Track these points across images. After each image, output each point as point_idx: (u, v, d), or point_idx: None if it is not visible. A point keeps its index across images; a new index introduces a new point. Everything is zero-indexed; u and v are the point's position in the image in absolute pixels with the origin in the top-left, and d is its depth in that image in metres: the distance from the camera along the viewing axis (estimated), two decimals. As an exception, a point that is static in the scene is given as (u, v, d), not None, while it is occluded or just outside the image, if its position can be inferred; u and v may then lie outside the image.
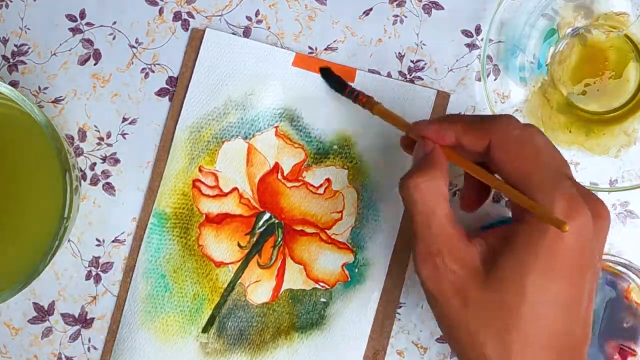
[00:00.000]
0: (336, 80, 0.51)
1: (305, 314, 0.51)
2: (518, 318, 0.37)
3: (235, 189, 0.52)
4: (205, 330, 0.51)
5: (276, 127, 0.52)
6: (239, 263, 0.51)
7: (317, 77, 0.52)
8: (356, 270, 0.51)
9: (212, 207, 0.52)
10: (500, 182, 0.39)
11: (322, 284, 0.51)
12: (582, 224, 0.37)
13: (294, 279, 0.51)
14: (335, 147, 0.52)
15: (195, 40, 0.52)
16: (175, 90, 0.52)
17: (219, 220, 0.52)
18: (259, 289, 0.51)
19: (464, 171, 0.42)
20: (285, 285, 0.51)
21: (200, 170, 0.52)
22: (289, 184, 0.51)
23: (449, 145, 0.41)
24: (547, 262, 0.37)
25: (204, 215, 0.52)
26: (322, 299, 0.51)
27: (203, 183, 0.52)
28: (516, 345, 0.37)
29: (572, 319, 0.38)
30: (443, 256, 0.38)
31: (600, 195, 0.50)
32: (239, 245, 0.52)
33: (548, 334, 0.37)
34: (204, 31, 0.52)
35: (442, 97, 0.52)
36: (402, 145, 0.46)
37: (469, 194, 0.46)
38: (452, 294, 0.38)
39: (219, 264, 0.51)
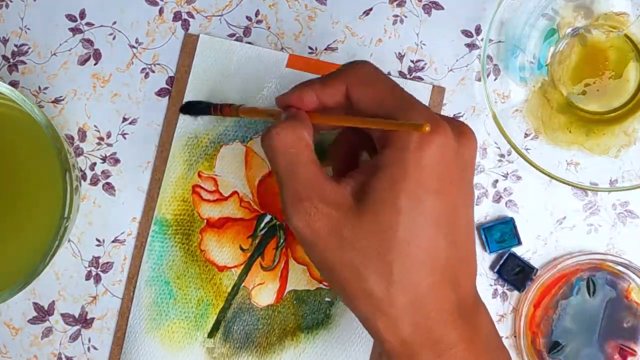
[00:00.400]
0: (196, 107, 0.51)
1: (310, 314, 0.51)
2: (396, 240, 0.36)
3: (235, 192, 0.52)
4: (211, 335, 0.51)
5: (273, 128, 0.52)
6: (242, 266, 0.51)
7: (312, 77, 0.52)
8: (359, 268, 0.51)
9: (212, 211, 0.52)
10: (363, 118, 0.39)
11: (326, 283, 0.51)
12: (443, 138, 0.37)
13: (298, 279, 0.51)
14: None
15: (189, 45, 0.52)
16: (171, 95, 0.52)
17: (220, 224, 0.51)
18: (263, 291, 0.51)
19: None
20: (289, 287, 0.51)
21: (199, 176, 0.52)
22: (289, 186, 0.51)
23: (312, 108, 0.41)
24: (415, 178, 0.36)
25: (205, 220, 0.52)
26: (327, 299, 0.51)
27: (203, 188, 0.52)
28: (397, 270, 0.37)
29: (452, 238, 0.38)
30: (312, 199, 0.38)
31: (600, 195, 0.50)
32: (241, 248, 0.51)
33: (428, 254, 0.37)
34: (197, 36, 0.52)
35: (438, 92, 0.52)
36: None
37: (336, 161, 0.46)
38: (328, 235, 0.37)
39: (222, 268, 0.51)
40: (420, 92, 0.52)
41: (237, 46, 0.52)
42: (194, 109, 0.51)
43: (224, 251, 0.51)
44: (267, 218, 0.51)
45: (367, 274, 0.37)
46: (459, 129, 0.39)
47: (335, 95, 0.40)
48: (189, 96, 0.52)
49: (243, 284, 0.51)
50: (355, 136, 0.44)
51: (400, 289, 0.37)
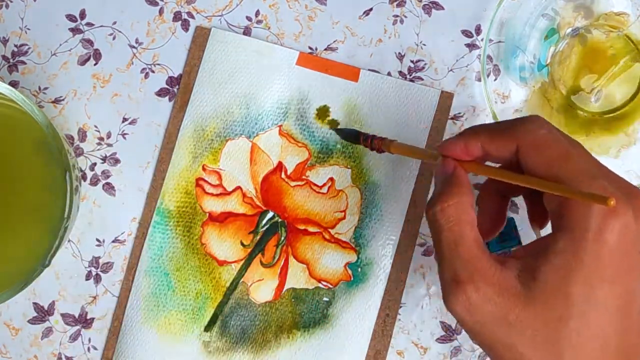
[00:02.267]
0: (350, 133, 0.51)
1: (307, 312, 0.51)
2: (567, 331, 0.35)
3: (238, 187, 0.52)
4: (207, 328, 0.51)
5: (280, 125, 0.52)
6: (242, 262, 0.51)
7: (321, 76, 0.52)
8: (359, 269, 0.51)
9: (215, 205, 0.52)
10: (534, 178, 0.37)
11: (324, 283, 0.51)
12: (623, 222, 0.35)
13: (297, 278, 0.51)
14: (338, 146, 0.52)
15: (200, 38, 0.52)
16: (178, 87, 0.52)
17: (222, 218, 0.52)
18: (261, 287, 0.51)
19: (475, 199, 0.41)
20: (288, 284, 0.51)
21: (203, 169, 0.52)
22: (293, 183, 0.51)
23: (475, 158, 0.40)
24: (591, 267, 0.34)
25: (207, 214, 0.52)
26: (325, 298, 0.51)
27: (206, 182, 0.52)
28: (568, 355, 0.35)
29: (624, 325, 0.36)
30: (475, 282, 0.36)
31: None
32: (242, 244, 0.51)
33: (600, 345, 0.35)
34: (208, 29, 0.52)
35: (446, 97, 0.52)
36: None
37: (484, 219, 0.43)
38: (493, 322, 0.36)
39: (222, 263, 0.51)
40: (428, 98, 0.52)
41: (248, 41, 0.52)
42: (346, 133, 0.51)
43: (225, 246, 0.51)
44: (270, 215, 0.51)
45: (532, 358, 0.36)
46: (637, 208, 0.35)
47: (503, 152, 0.38)
48: (198, 88, 0.52)
49: (242, 280, 0.51)
50: (507, 190, 0.43)
51: None
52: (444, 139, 0.41)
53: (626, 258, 0.35)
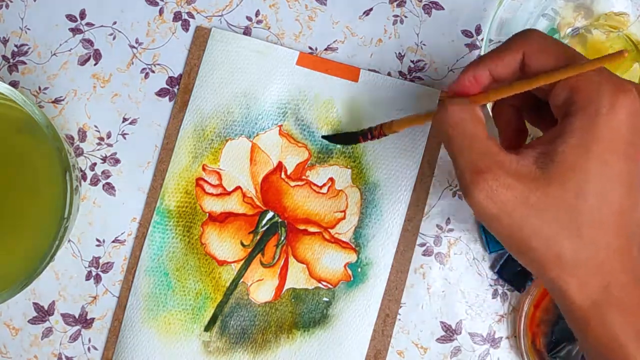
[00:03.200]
0: (343, 138, 0.51)
1: (307, 312, 0.51)
2: (586, 207, 0.36)
3: (238, 187, 0.52)
4: (207, 328, 0.51)
5: (280, 125, 0.52)
6: (242, 262, 0.51)
7: (321, 76, 0.52)
8: (359, 269, 0.51)
9: (215, 205, 0.52)
10: (549, 72, 0.38)
11: (324, 283, 0.51)
12: (631, 101, 0.36)
13: (297, 278, 0.51)
14: (338, 146, 0.52)
15: (200, 38, 0.52)
16: (178, 88, 0.52)
17: (222, 218, 0.52)
18: (261, 287, 0.51)
19: (493, 122, 0.43)
20: (288, 284, 0.51)
21: (203, 169, 0.52)
22: (293, 183, 0.51)
23: (483, 87, 0.41)
24: (605, 142, 0.36)
25: (207, 214, 0.52)
26: (325, 298, 0.51)
27: (206, 181, 0.52)
28: (586, 234, 0.36)
29: (636, 196, 0.37)
30: (494, 171, 0.37)
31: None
32: (242, 244, 0.52)
33: (616, 217, 0.37)
34: (208, 29, 0.52)
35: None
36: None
37: (506, 135, 0.44)
38: (514, 206, 0.37)
39: (222, 263, 0.51)
40: (430, 97, 0.52)
41: (248, 41, 0.52)
42: (339, 139, 0.51)
43: (225, 245, 0.51)
44: (269, 215, 0.52)
45: (557, 239, 0.37)
46: (637, 85, 0.38)
47: (511, 66, 0.40)
48: (198, 88, 0.52)
49: (242, 279, 0.51)
50: (519, 105, 0.44)
51: (591, 252, 0.37)
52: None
53: (634, 133, 0.37)
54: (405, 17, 0.53)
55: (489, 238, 0.51)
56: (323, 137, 0.52)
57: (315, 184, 0.52)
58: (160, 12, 0.53)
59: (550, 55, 0.38)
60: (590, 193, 0.36)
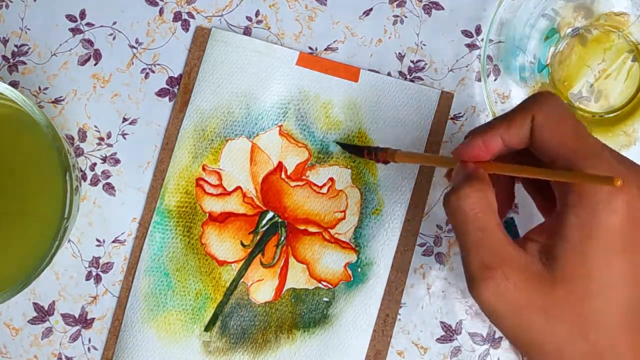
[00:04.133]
0: (353, 149, 0.51)
1: (308, 313, 0.51)
2: (589, 310, 0.36)
3: (238, 187, 0.52)
4: (207, 328, 0.51)
5: (280, 126, 0.52)
6: (242, 262, 0.51)
7: (321, 76, 0.52)
8: (359, 269, 0.51)
9: (215, 205, 0.52)
10: (544, 169, 0.37)
11: (324, 283, 0.51)
12: (630, 196, 0.35)
13: (297, 278, 0.51)
14: (338, 146, 0.52)
15: (200, 38, 0.52)
16: (178, 88, 0.52)
17: (222, 219, 0.52)
18: (261, 287, 0.51)
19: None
20: (288, 285, 0.51)
21: (203, 169, 0.52)
22: (293, 183, 0.51)
23: (494, 154, 0.40)
24: (605, 239, 0.35)
25: (207, 214, 0.52)
26: (325, 299, 0.51)
27: (206, 182, 0.52)
28: (592, 335, 0.36)
29: (638, 292, 0.36)
30: (504, 269, 0.36)
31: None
32: (242, 244, 0.52)
33: (622, 315, 0.36)
34: (208, 29, 0.52)
35: (446, 97, 0.52)
36: (448, 177, 0.45)
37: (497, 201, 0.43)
38: (523, 308, 0.36)
39: (222, 263, 0.51)
40: (428, 98, 0.52)
41: (248, 41, 0.52)
42: (348, 148, 0.52)
43: (225, 246, 0.51)
44: (270, 215, 0.51)
45: (564, 345, 0.36)
46: (638, 177, 0.37)
47: (521, 133, 0.38)
48: (198, 88, 0.52)
49: (242, 280, 0.51)
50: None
51: (598, 355, 0.36)
52: (457, 144, 0.41)
53: (635, 229, 0.36)
54: (405, 17, 0.53)
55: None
56: (336, 142, 0.52)
57: (315, 184, 0.52)
58: (160, 12, 0.53)
59: (557, 131, 0.37)
60: (595, 295, 0.36)
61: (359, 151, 0.51)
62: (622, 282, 0.36)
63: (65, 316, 0.52)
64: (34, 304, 0.52)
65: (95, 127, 0.52)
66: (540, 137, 0.38)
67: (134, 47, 0.53)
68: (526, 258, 0.37)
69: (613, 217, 0.35)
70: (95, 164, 0.52)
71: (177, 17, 0.53)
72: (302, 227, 0.51)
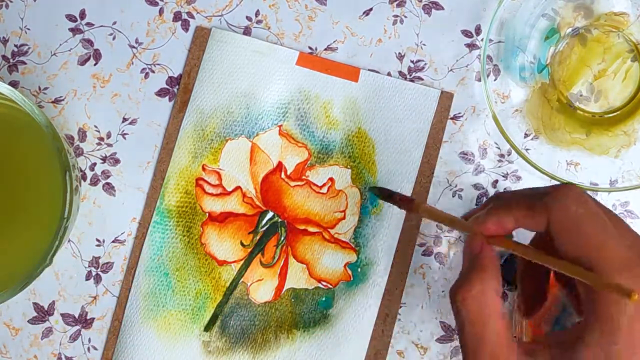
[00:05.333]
0: (384, 194, 0.49)
1: (307, 312, 0.51)
2: None
3: (238, 187, 0.52)
4: (207, 328, 0.51)
5: (280, 125, 0.52)
6: (242, 262, 0.51)
7: (321, 76, 0.52)
8: (359, 269, 0.51)
9: (215, 205, 0.52)
10: (561, 261, 0.35)
11: (324, 283, 0.51)
12: None
13: (297, 278, 0.51)
14: (338, 146, 0.52)
15: (200, 38, 0.52)
16: (178, 88, 0.52)
17: (222, 218, 0.52)
18: (261, 287, 0.51)
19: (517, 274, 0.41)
20: (287, 284, 0.51)
21: (203, 169, 0.52)
22: (292, 183, 0.51)
23: (508, 231, 0.38)
24: (622, 358, 0.34)
25: (207, 214, 0.52)
26: (325, 298, 0.51)
27: (206, 181, 0.52)
28: None
29: None
30: None
31: (600, 195, 0.50)
32: (241, 244, 0.52)
33: None
34: (208, 29, 0.52)
35: (446, 97, 0.52)
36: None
37: (525, 295, 0.42)
38: None
39: (222, 263, 0.51)
40: (428, 98, 0.52)
41: (248, 41, 0.52)
42: (383, 193, 0.50)
43: (225, 246, 0.51)
44: (269, 215, 0.51)
45: None
46: None
47: (536, 227, 0.37)
48: (198, 88, 0.52)
49: (242, 279, 0.51)
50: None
51: None
52: (476, 214, 0.40)
53: None
54: (405, 17, 0.53)
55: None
56: (370, 187, 0.51)
57: (315, 184, 0.52)
58: (160, 12, 0.53)
59: (575, 238, 0.35)
60: None
61: (389, 197, 0.48)
62: None
63: (65, 316, 0.52)
64: (34, 304, 0.52)
65: (95, 127, 0.52)
66: (559, 241, 0.36)
67: (134, 47, 0.53)
68: None
69: (635, 339, 0.33)
70: (95, 164, 0.52)
71: (177, 17, 0.53)
72: (302, 227, 0.51)
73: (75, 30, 0.53)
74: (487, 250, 0.38)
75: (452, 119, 0.52)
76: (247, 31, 0.53)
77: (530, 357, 0.36)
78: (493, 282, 0.37)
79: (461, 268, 0.40)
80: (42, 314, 0.52)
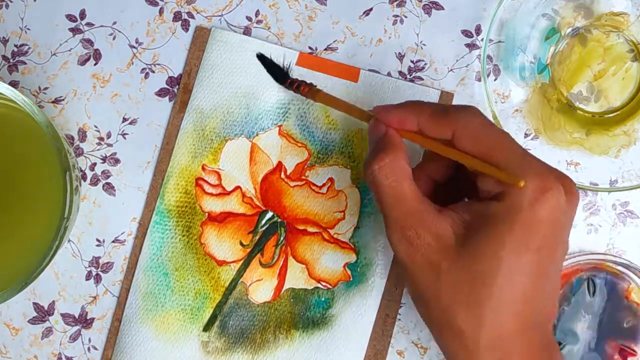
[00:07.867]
0: (273, 67, 0.51)
1: (306, 313, 0.51)
2: (492, 287, 0.38)
3: (238, 187, 0.52)
4: (206, 328, 0.51)
5: (279, 125, 0.52)
6: (241, 262, 0.51)
7: (321, 76, 0.52)
8: (358, 270, 0.51)
9: (214, 205, 0.52)
10: (469, 156, 0.40)
11: (324, 283, 0.51)
12: (555, 199, 0.38)
13: (296, 278, 0.51)
14: (338, 146, 0.52)
15: (200, 38, 0.52)
16: (178, 88, 0.52)
17: (222, 218, 0.52)
18: (260, 287, 0.51)
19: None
20: (287, 285, 0.51)
21: (203, 169, 0.52)
22: (292, 183, 0.51)
23: (408, 131, 0.42)
24: (520, 236, 0.38)
25: (207, 214, 0.52)
26: (324, 299, 0.51)
27: (206, 181, 0.52)
28: (487, 313, 0.38)
29: (540, 291, 0.39)
30: (416, 228, 0.39)
31: (600, 195, 0.50)
32: (241, 244, 0.51)
33: (518, 302, 0.38)
34: (208, 29, 0.52)
35: (446, 97, 0.52)
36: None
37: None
38: (425, 266, 0.39)
39: (221, 263, 0.51)
40: (428, 98, 0.52)
41: (248, 41, 0.52)
42: (270, 65, 0.51)
43: (224, 245, 0.51)
44: (269, 215, 0.51)
45: (458, 311, 0.38)
46: (567, 188, 0.39)
47: (438, 135, 0.41)
48: (198, 88, 0.52)
49: (241, 279, 0.51)
50: (443, 169, 0.45)
51: (488, 331, 0.38)
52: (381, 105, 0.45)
53: (552, 231, 0.39)
54: (405, 17, 0.53)
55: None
56: (258, 55, 0.52)
57: (314, 184, 0.52)
58: (160, 12, 0.53)
59: (477, 144, 0.40)
60: (497, 279, 0.38)
61: (282, 76, 0.51)
62: (526, 276, 0.38)
63: (65, 316, 0.52)
64: (34, 303, 0.52)
65: (95, 127, 0.52)
66: (461, 145, 0.40)
67: (134, 47, 0.53)
68: (440, 225, 0.39)
69: (535, 218, 0.38)
70: (95, 164, 0.52)
71: (177, 17, 0.53)
72: (301, 227, 0.51)
73: (75, 30, 0.53)
74: (391, 131, 0.42)
75: (452, 119, 0.52)
76: (247, 31, 0.53)
77: (440, 214, 0.40)
78: (402, 153, 0.41)
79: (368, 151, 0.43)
80: (42, 314, 0.52)
